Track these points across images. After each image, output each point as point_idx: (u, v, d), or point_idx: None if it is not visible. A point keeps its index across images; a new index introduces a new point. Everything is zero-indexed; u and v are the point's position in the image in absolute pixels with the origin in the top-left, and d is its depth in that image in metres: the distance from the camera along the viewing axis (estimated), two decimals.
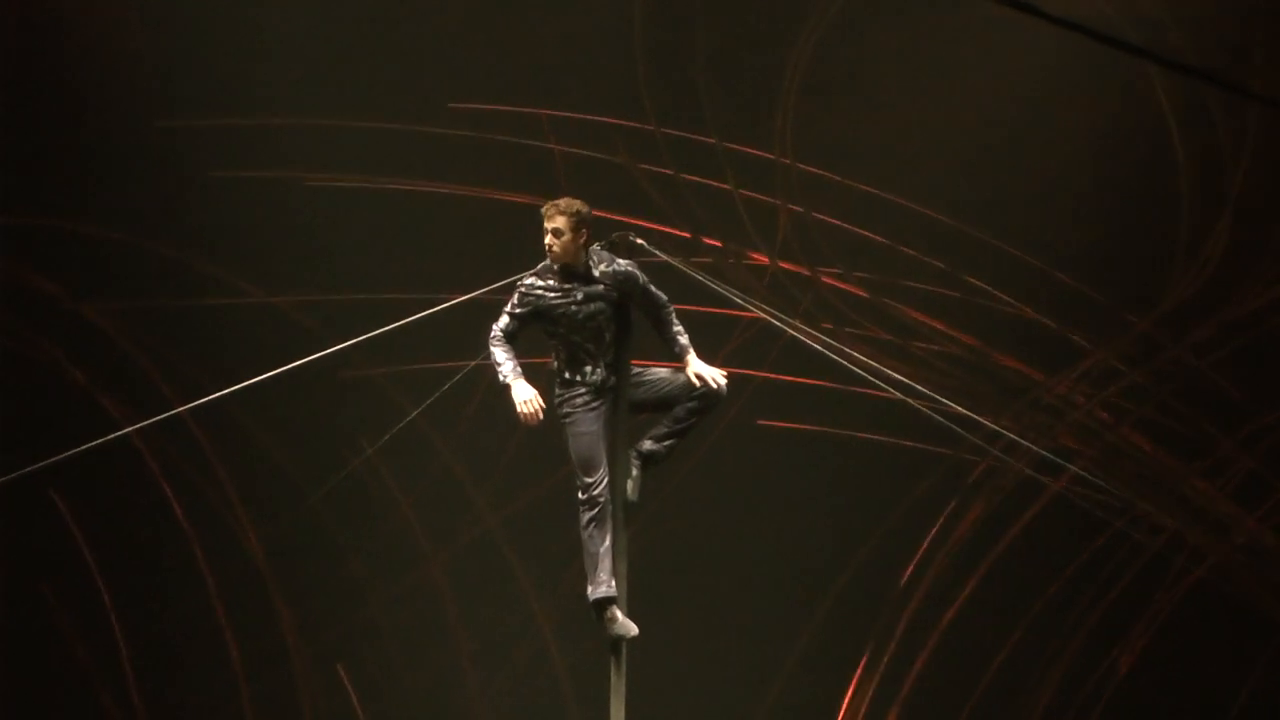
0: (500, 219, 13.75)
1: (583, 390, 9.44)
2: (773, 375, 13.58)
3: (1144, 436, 14.14)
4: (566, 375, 9.47)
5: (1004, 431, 12.01)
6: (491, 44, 14.10)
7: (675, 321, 9.52)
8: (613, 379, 9.44)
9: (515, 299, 9.37)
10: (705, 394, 9.53)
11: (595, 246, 9.42)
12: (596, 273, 9.35)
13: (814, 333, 10.09)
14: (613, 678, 9.44)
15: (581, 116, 14.07)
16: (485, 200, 14.04)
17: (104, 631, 13.89)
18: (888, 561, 14.06)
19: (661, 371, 9.66)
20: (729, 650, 14.03)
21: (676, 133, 14.14)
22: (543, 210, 9.37)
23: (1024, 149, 14.10)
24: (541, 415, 9.27)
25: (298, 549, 14.01)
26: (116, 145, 13.98)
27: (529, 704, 14.06)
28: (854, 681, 14.08)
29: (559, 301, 9.36)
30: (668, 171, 14.15)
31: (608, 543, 9.39)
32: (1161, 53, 10.46)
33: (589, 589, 9.40)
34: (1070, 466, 11.97)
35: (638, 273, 9.41)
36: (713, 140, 14.15)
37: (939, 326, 14.19)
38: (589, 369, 9.42)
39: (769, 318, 9.93)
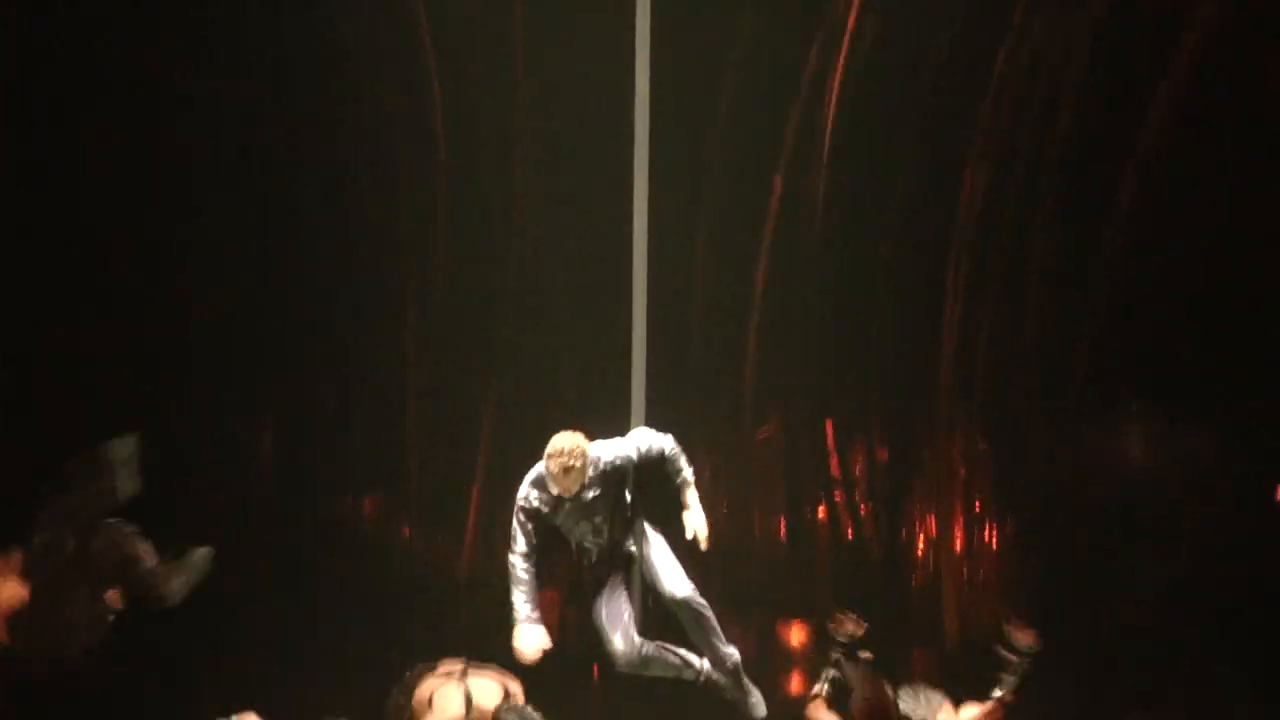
0: None
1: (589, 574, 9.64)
2: None
3: None
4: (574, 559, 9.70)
5: None
6: None
7: (679, 458, 9.57)
8: (621, 550, 9.58)
9: (520, 518, 9.48)
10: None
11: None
12: (587, 476, 9.40)
13: None
14: None
15: None
16: None
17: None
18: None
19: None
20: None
21: None
22: (554, 458, 9.31)
23: None
24: (535, 658, 9.38)
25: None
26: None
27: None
28: None
29: (556, 511, 9.47)
30: None
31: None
32: None
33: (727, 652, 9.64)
34: None
35: (630, 461, 9.48)
36: None
37: None
38: (593, 556, 9.61)
39: None
